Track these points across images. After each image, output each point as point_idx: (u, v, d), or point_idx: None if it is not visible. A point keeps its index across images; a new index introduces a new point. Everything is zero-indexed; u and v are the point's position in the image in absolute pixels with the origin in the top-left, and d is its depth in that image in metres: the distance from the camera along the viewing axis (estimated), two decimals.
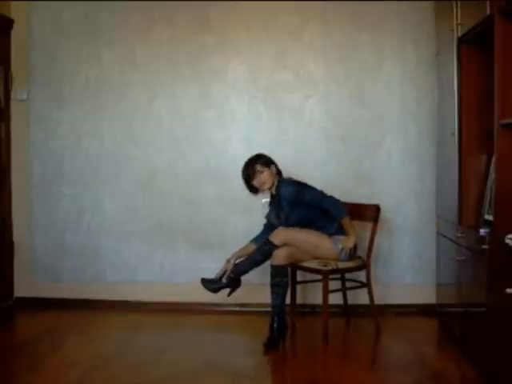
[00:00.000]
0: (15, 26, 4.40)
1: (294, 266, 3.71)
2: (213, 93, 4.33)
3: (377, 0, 4.18)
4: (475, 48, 3.27)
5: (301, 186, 3.67)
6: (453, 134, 3.43)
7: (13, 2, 4.39)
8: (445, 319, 3.75)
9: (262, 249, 3.62)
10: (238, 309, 4.26)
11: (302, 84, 4.27)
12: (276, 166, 3.77)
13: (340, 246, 3.61)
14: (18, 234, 4.47)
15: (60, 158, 4.43)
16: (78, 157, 4.42)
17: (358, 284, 3.90)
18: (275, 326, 3.55)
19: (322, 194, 3.65)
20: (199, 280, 3.67)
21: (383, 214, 3.86)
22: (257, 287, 4.04)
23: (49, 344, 3.60)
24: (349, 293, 3.99)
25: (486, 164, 3.22)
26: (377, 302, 3.81)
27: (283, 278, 3.56)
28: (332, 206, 3.61)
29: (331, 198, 3.63)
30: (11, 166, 4.45)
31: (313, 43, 4.25)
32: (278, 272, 3.56)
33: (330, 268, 3.58)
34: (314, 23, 4.24)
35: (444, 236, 3.68)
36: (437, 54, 3.92)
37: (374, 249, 3.78)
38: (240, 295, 3.85)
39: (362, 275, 3.82)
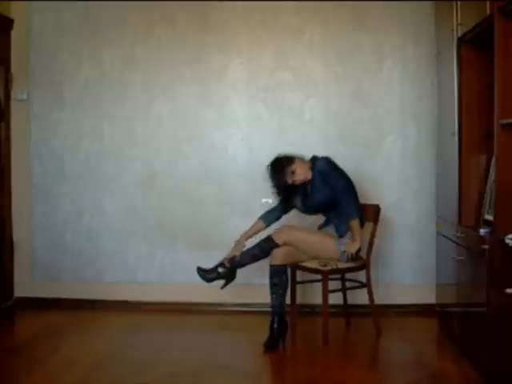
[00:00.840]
0: (15, 26, 4.40)
1: (294, 265, 3.70)
2: (213, 93, 4.33)
3: (377, 0, 4.19)
4: (475, 48, 3.27)
5: (335, 167, 3.61)
6: (453, 133, 3.43)
7: (13, 2, 4.39)
8: (445, 319, 3.75)
9: (262, 245, 3.61)
10: (237, 309, 4.26)
11: (301, 84, 4.27)
12: (296, 156, 3.66)
13: (343, 249, 3.61)
14: (18, 234, 4.47)
15: (60, 158, 4.43)
16: (78, 157, 4.42)
17: (357, 284, 3.89)
18: (275, 326, 3.55)
19: (347, 187, 3.57)
20: (199, 280, 3.66)
21: (383, 214, 3.85)
22: (257, 287, 4.05)
23: (49, 344, 3.60)
24: (349, 293, 3.99)
25: (486, 164, 3.22)
26: (377, 302, 3.80)
27: (282, 278, 3.56)
28: (347, 203, 3.53)
29: (352, 196, 3.57)
30: (11, 165, 4.45)
31: (313, 43, 4.25)
32: (276, 272, 3.56)
33: (329, 268, 3.57)
34: (313, 23, 4.24)
35: (444, 236, 3.68)
36: (437, 54, 3.92)
37: (374, 249, 3.78)
38: (240, 295, 3.84)
39: (361, 275, 3.82)
